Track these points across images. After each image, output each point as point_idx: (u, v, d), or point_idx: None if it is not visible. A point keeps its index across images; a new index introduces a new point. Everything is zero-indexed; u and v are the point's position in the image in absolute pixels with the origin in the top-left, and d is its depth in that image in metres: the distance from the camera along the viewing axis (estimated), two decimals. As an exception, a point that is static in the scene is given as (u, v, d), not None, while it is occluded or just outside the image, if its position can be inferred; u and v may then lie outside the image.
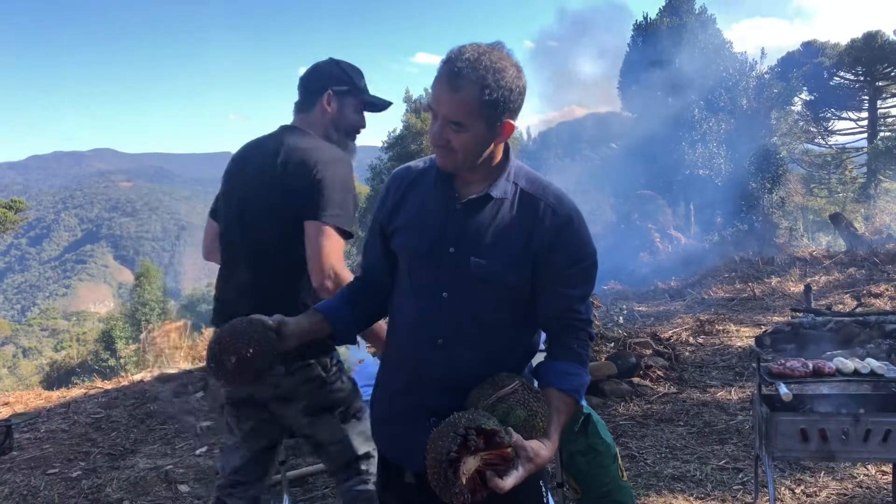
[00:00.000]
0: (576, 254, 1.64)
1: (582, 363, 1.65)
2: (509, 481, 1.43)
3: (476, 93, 1.49)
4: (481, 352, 1.64)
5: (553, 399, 1.58)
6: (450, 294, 1.64)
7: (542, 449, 1.50)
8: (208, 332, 12.24)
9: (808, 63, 29.75)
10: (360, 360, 3.46)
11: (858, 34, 32.47)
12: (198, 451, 4.64)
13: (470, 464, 1.40)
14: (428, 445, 1.43)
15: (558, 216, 1.62)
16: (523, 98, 1.58)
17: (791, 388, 3.04)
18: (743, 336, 7.20)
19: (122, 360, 20.91)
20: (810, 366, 3.05)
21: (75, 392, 6.72)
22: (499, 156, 1.65)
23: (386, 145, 31.32)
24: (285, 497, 3.66)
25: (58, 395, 6.64)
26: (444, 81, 1.52)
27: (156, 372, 7.42)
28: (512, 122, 1.58)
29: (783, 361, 3.21)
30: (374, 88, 2.48)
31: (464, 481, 1.39)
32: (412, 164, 1.80)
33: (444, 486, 1.40)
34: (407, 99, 31.64)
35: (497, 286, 1.62)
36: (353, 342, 1.84)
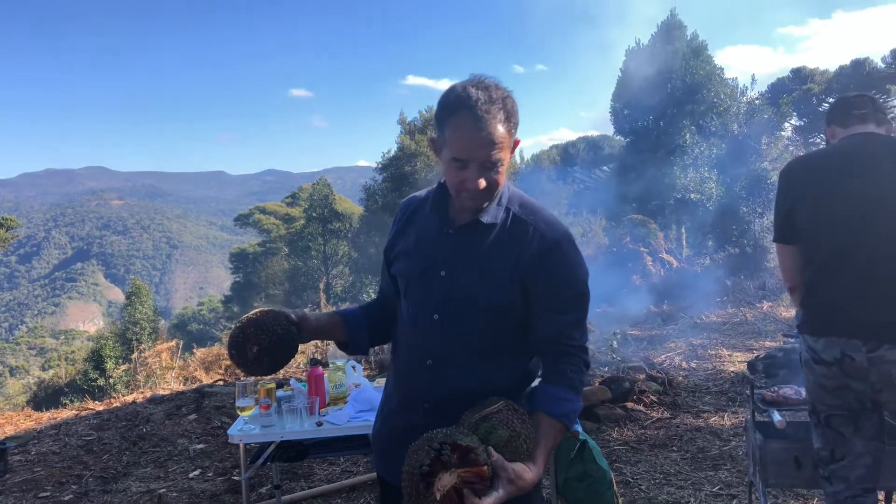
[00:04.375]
0: (564, 279, 1.64)
1: (574, 389, 1.64)
2: (487, 501, 1.41)
3: (503, 127, 1.55)
4: (470, 374, 1.66)
5: (542, 424, 1.57)
6: (440, 316, 1.68)
7: (526, 472, 1.48)
8: (199, 353, 12.17)
9: (797, 89, 30.15)
10: (356, 384, 3.47)
11: (844, 61, 32.90)
12: (191, 475, 4.61)
13: (445, 480, 1.39)
14: (406, 458, 1.44)
15: (546, 240, 1.63)
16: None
17: (784, 415, 3.08)
18: (735, 361, 7.23)
19: (111, 380, 20.68)
20: (803, 393, 3.08)
21: (66, 413, 6.67)
22: None
23: (380, 166, 31.45)
24: (280, 522, 3.65)
25: (48, 417, 6.59)
26: (472, 127, 1.54)
27: (148, 393, 7.38)
28: (518, 139, 1.64)
29: (776, 389, 3.23)
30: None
31: (438, 497, 1.38)
32: (417, 193, 1.85)
33: (415, 500, 1.40)
34: (401, 121, 31.80)
35: (485, 310, 1.64)
36: (364, 352, 1.87)
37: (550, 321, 1.64)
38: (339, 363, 3.49)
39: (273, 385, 3.21)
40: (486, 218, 1.65)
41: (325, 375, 3.40)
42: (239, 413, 3.10)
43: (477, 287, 1.64)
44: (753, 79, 27.25)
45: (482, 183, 1.58)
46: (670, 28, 22.27)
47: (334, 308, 12.35)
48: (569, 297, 1.65)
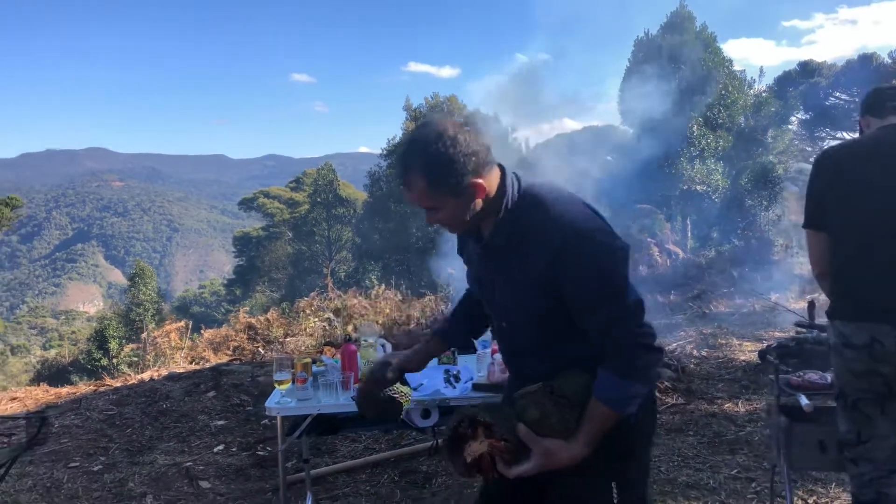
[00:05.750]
0: (585, 277, 1.62)
1: (622, 374, 1.64)
2: (516, 470, 1.62)
3: (423, 183, 1.61)
4: (541, 364, 1.78)
5: (589, 406, 1.65)
6: (507, 324, 1.84)
7: (562, 449, 1.62)
8: (208, 334, 12.27)
9: (804, 83, 30.09)
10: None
11: (849, 55, 32.77)
12: (215, 449, 4.68)
13: (475, 447, 1.63)
14: None
15: (553, 244, 1.61)
16: (480, 154, 1.61)
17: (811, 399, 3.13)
18: (746, 350, 7.29)
19: (115, 361, 20.77)
20: (828, 378, 3.14)
21: (84, 389, 6.75)
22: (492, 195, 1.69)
23: (385, 152, 31.39)
24: (308, 495, 3.72)
25: (67, 392, 6.67)
26: (401, 183, 1.67)
27: (164, 371, 7.46)
28: (478, 181, 1.62)
29: (802, 374, 3.30)
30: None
31: (468, 460, 1.63)
32: None
33: (448, 459, 1.70)
34: (406, 108, 31.71)
35: (533, 317, 1.73)
36: (466, 345, 2.18)
37: (589, 319, 1.67)
38: (370, 340, 3.54)
39: (309, 360, 3.27)
40: (493, 239, 1.72)
41: (358, 352, 3.46)
42: (276, 386, 3.16)
43: (515, 299, 1.73)
44: (762, 71, 27.26)
45: (429, 220, 1.72)
46: (679, 19, 22.22)
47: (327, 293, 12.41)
48: (596, 294, 1.63)
